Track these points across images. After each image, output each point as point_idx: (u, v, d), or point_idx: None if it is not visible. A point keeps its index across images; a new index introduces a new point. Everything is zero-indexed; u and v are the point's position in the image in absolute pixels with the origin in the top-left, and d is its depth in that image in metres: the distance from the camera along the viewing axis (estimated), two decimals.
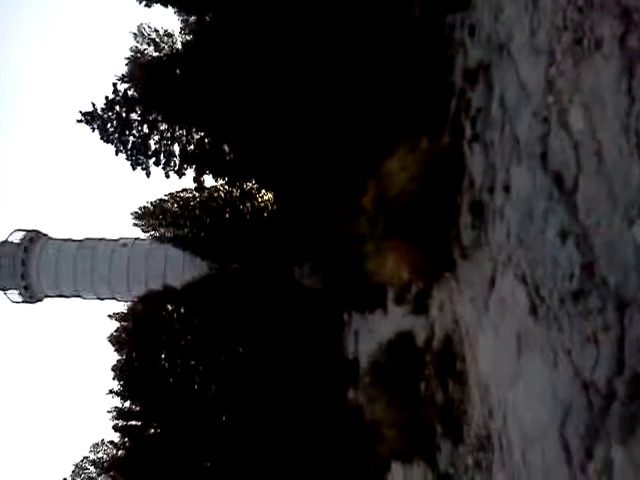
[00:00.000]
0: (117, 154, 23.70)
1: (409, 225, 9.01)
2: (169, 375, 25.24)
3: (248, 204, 27.22)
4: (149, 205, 29.71)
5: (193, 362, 25.30)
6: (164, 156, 23.55)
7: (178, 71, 19.71)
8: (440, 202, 9.00)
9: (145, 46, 22.18)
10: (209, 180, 25.60)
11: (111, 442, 29.46)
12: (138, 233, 33.05)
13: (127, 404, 26.21)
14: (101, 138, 23.37)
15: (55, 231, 40.35)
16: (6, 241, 36.35)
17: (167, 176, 24.19)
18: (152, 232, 30.52)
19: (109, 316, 29.99)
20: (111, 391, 26.29)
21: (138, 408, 25.95)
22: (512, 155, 6.79)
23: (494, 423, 6.94)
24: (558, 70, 5.51)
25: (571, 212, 5.02)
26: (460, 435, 8.28)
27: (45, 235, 37.12)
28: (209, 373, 24.96)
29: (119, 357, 26.04)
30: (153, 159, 23.71)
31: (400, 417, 10.10)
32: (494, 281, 7.22)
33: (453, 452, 8.57)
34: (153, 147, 23.49)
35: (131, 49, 22.22)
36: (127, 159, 23.79)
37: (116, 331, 26.71)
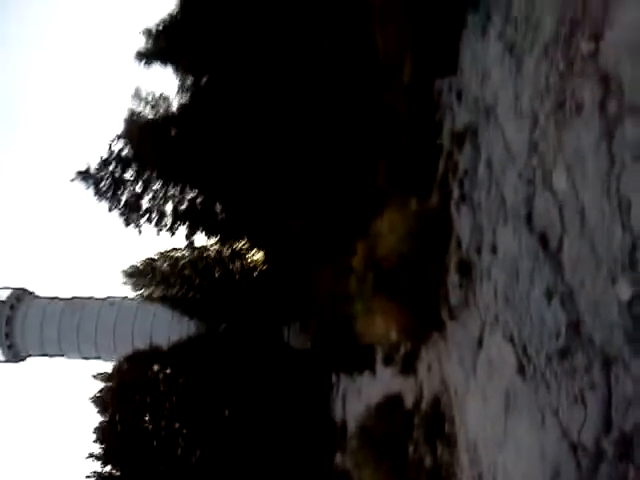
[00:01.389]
0: (110, 211, 23.99)
1: (398, 285, 9.02)
2: (153, 438, 24.54)
3: (238, 263, 27.17)
4: (139, 264, 29.56)
5: (177, 425, 24.65)
6: (156, 214, 23.75)
7: (173, 132, 20.08)
8: (428, 262, 9.04)
9: (142, 108, 22.54)
10: (199, 239, 25.71)
11: None
12: (127, 292, 32.78)
13: (108, 468, 25.33)
14: (95, 194, 23.67)
15: (44, 288, 39.83)
16: None
17: (158, 234, 24.32)
18: (141, 291, 30.22)
19: (94, 376, 29.35)
20: (91, 455, 25.46)
21: (118, 473, 25.09)
22: (499, 216, 6.86)
23: None
24: (542, 133, 5.63)
25: (556, 271, 5.04)
26: None
27: (32, 293, 36.73)
28: (194, 436, 24.28)
29: (102, 419, 25.37)
30: (145, 217, 23.90)
31: None
32: (482, 341, 7.17)
33: None
34: (145, 205, 23.74)
35: (128, 110, 22.59)
36: (120, 216, 24.04)
37: (100, 392, 26.09)
